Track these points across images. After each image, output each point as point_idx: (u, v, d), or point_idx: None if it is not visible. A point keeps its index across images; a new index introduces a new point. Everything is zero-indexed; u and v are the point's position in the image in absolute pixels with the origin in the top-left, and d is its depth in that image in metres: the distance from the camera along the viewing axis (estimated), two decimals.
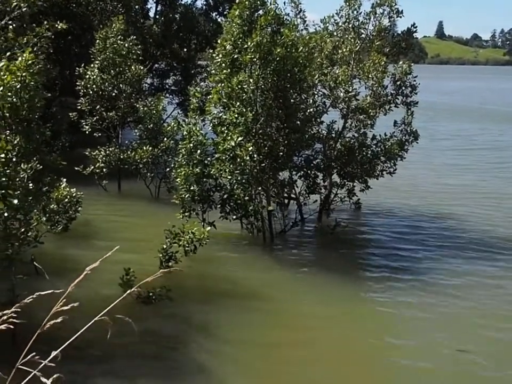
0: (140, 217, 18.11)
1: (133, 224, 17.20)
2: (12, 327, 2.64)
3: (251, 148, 13.87)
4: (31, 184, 9.60)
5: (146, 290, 10.90)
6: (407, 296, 12.49)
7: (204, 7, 30.25)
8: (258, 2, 14.25)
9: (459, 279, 13.44)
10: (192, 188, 14.75)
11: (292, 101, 14.90)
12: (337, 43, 16.95)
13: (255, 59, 13.77)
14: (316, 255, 15.69)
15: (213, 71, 15.17)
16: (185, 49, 29.14)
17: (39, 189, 10.51)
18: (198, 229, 13.77)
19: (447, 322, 11.31)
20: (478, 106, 60.09)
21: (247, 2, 14.13)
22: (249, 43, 13.69)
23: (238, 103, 14.04)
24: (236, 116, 13.90)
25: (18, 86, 9.35)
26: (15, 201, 8.89)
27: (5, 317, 2.64)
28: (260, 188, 15.03)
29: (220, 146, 14.18)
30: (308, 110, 16.07)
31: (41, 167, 10.23)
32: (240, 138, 13.79)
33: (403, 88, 16.82)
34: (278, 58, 13.83)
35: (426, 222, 18.08)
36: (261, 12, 14.27)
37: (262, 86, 14.22)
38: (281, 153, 14.91)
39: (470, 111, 56.56)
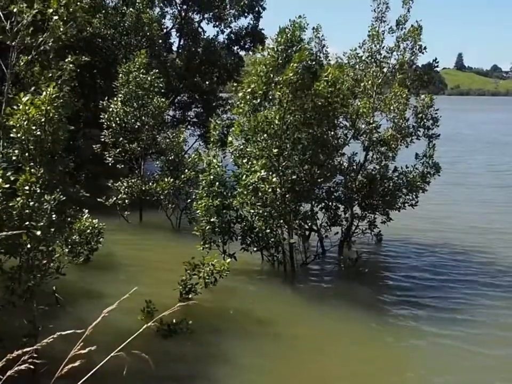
0: (160, 248, 18.12)
1: (154, 255, 17.19)
2: (32, 367, 2.61)
3: (275, 180, 13.85)
4: (54, 216, 9.66)
5: (166, 323, 10.82)
6: (433, 329, 12.21)
7: (226, 41, 30.73)
8: (294, 38, 14.20)
9: (482, 313, 13.14)
10: (212, 220, 14.76)
11: (319, 135, 14.88)
12: (359, 76, 17.01)
13: (286, 93, 13.78)
14: (337, 289, 15.48)
15: (237, 103, 15.25)
16: (207, 82, 29.55)
17: (62, 220, 10.58)
18: (219, 261, 13.74)
19: (480, 356, 11.00)
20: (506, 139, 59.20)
21: (284, 37, 14.08)
22: (281, 78, 13.70)
23: (263, 137, 14.05)
24: (261, 148, 13.91)
25: (43, 120, 9.50)
26: (38, 233, 8.96)
27: (26, 356, 2.61)
28: (281, 220, 14.96)
29: (241, 181, 14.16)
30: (331, 142, 16.08)
31: (64, 198, 10.32)
32: (263, 172, 13.78)
33: (425, 120, 16.78)
34: (311, 95, 13.85)
35: (449, 256, 17.82)
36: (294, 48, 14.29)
37: (290, 120, 14.23)
38: (303, 187, 14.86)
39: (498, 143, 55.92)
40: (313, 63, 14.30)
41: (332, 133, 15.79)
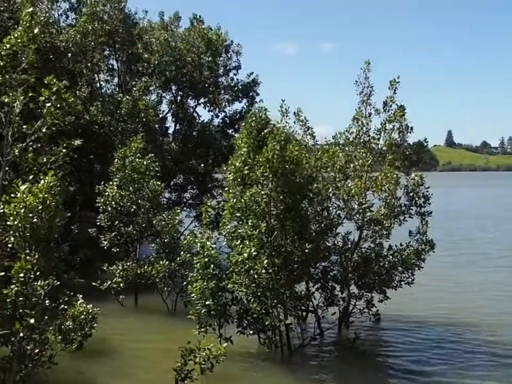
0: (155, 333, 17.82)
1: (149, 340, 16.89)
2: None
3: (266, 260, 13.97)
4: (47, 302, 9.60)
5: None
6: None
7: (220, 124, 31.59)
8: (263, 122, 14.99)
9: None
10: (207, 302, 14.65)
11: (305, 212, 15.16)
12: (349, 157, 17.43)
13: (265, 174, 14.27)
14: (336, 371, 15.13)
15: (227, 188, 15.66)
16: (202, 165, 30.12)
17: (55, 307, 10.51)
18: (215, 345, 13.51)
19: None
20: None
21: (253, 123, 14.87)
22: (259, 159, 14.28)
23: (252, 216, 14.32)
24: (250, 228, 14.14)
25: (40, 207, 9.65)
26: (32, 321, 8.88)
27: None
28: (276, 301, 14.86)
29: (232, 259, 14.28)
30: (323, 222, 16.26)
31: (58, 284, 10.28)
32: (253, 250, 13.91)
33: (416, 198, 17.03)
34: (288, 173, 14.33)
35: (448, 334, 17.58)
36: (267, 130, 15.00)
37: (275, 199, 14.56)
38: (296, 265, 14.92)
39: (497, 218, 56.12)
40: (287, 143, 14.74)
41: (316, 210, 15.93)
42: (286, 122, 17.31)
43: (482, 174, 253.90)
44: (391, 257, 17.31)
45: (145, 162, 20.66)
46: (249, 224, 14.29)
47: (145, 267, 19.89)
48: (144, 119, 25.82)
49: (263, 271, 14.15)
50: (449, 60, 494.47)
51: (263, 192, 14.31)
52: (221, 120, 31.68)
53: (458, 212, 62.48)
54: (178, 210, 21.38)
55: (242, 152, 15.13)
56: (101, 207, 20.69)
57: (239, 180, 15.10)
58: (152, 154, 21.33)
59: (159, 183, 21.06)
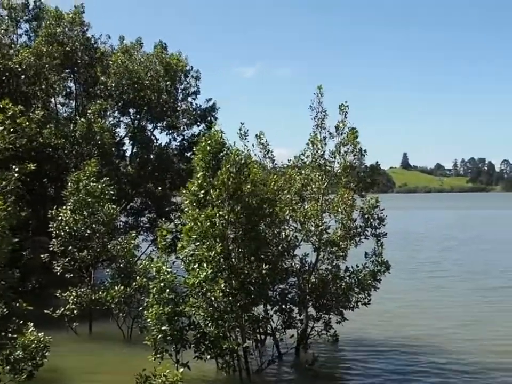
0: (110, 361, 17.40)
1: (104, 368, 16.48)
2: None
3: (223, 283, 13.87)
4: None
5: None
6: None
7: (179, 147, 31.48)
8: (219, 145, 15.04)
9: None
10: (164, 328, 14.39)
11: (262, 234, 15.19)
12: (305, 180, 17.60)
13: (221, 196, 14.29)
14: None
15: (185, 209, 15.56)
16: (159, 188, 29.86)
17: (3, 336, 10.13)
18: (171, 371, 13.26)
19: None
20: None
21: (208, 147, 14.88)
22: (215, 182, 14.29)
23: (208, 239, 14.25)
24: (206, 251, 14.06)
25: None
26: None
27: None
28: (234, 324, 14.73)
29: (189, 281, 14.14)
30: (281, 244, 16.30)
31: (7, 312, 9.94)
32: (210, 272, 13.81)
33: (371, 220, 17.27)
34: (244, 195, 14.38)
35: (405, 353, 17.77)
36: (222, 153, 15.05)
37: (232, 221, 14.54)
38: (254, 288, 14.87)
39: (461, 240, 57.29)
40: (244, 166, 14.79)
41: (274, 232, 16.03)
42: (245, 145, 17.48)
43: (438, 195, 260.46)
44: (347, 278, 17.44)
45: (100, 186, 20.36)
46: (205, 246, 14.20)
47: (100, 293, 19.44)
48: (99, 142, 25.52)
49: (221, 294, 14.03)
50: (403, 83, 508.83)
51: (220, 213, 14.29)
52: (178, 144, 31.60)
53: (418, 234, 63.43)
54: (134, 235, 21.06)
55: (198, 176, 15.08)
56: (54, 232, 20.23)
57: (195, 203, 15.04)
58: (107, 178, 21.04)
59: (115, 206, 20.77)
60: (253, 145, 17.84)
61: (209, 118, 31.09)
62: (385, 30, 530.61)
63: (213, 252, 14.10)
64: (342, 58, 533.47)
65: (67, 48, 27.75)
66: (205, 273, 13.88)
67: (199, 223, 14.28)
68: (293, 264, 17.36)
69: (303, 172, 17.79)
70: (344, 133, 17.14)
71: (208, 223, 14.26)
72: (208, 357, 14.95)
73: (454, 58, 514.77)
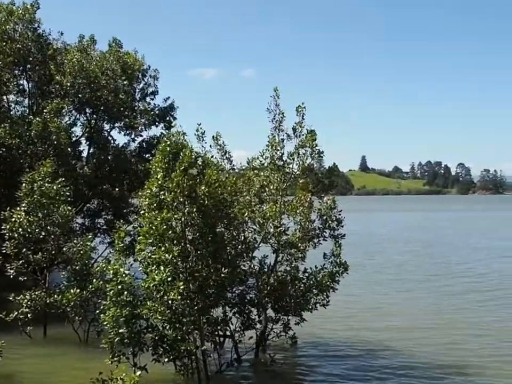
0: (66, 365, 17.05)
1: (59, 373, 16.15)
2: None
3: (182, 286, 13.77)
4: None
5: None
6: None
7: (137, 149, 31.07)
8: (179, 146, 14.89)
9: None
10: (121, 331, 14.17)
11: (220, 236, 15.15)
12: (264, 182, 17.63)
13: (178, 198, 14.15)
14: None
15: (142, 211, 15.38)
16: (117, 189, 29.40)
17: None
18: (128, 375, 13.07)
19: None
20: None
21: (168, 148, 14.74)
22: (170, 184, 14.15)
23: (166, 241, 14.13)
24: (164, 253, 13.93)
25: None
26: None
27: None
28: (192, 327, 14.63)
29: (146, 284, 14.00)
30: (239, 246, 16.28)
31: None
32: (167, 274, 13.70)
33: (329, 222, 17.40)
34: (202, 196, 14.28)
35: (363, 355, 17.96)
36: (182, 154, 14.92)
37: (190, 223, 14.44)
38: (212, 290, 14.80)
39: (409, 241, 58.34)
40: (201, 167, 14.78)
41: (232, 234, 16.02)
42: (202, 146, 17.40)
43: (396, 198, 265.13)
44: (306, 280, 17.55)
45: (55, 187, 19.92)
46: (163, 249, 14.08)
47: (55, 296, 19.02)
48: (55, 142, 24.98)
49: (178, 296, 13.92)
50: (362, 87, 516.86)
51: (176, 216, 14.18)
52: (137, 145, 31.19)
53: (379, 236, 64.13)
54: (90, 237, 20.69)
55: (158, 177, 14.91)
56: (7, 234, 19.70)
57: (154, 204, 14.86)
58: (63, 179, 20.61)
59: (70, 208, 20.36)
60: (210, 146, 17.81)
61: (168, 118, 30.77)
62: (347, 35, 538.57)
63: (170, 255, 13.98)
64: (304, 61, 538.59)
65: (18, 45, 27.01)
66: (161, 276, 13.75)
67: (155, 227, 14.15)
68: (252, 266, 17.36)
69: (261, 173, 17.83)
70: (302, 135, 17.27)
71: (165, 226, 14.14)
72: (166, 359, 14.81)
73: (412, 64, 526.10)
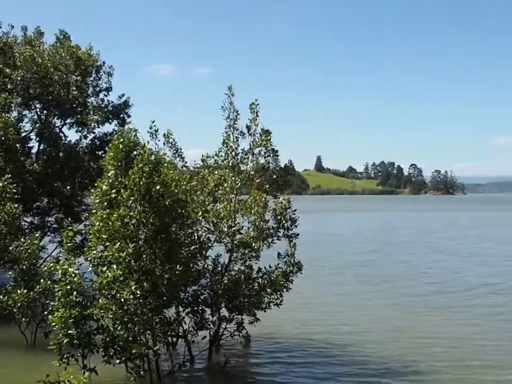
0: (12, 368, 16.55)
1: (4, 376, 15.65)
2: None
3: (134, 285, 13.52)
4: None
5: None
6: None
7: (90, 146, 30.38)
8: (132, 144, 14.60)
9: None
10: (70, 332, 13.83)
11: (174, 235, 14.96)
12: (218, 181, 17.50)
13: (133, 196, 13.91)
14: None
15: (94, 210, 15.02)
16: (68, 187, 28.68)
17: None
18: (76, 377, 12.76)
19: None
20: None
21: (120, 145, 14.45)
22: (127, 181, 13.88)
23: (119, 239, 13.86)
24: (117, 251, 13.65)
25: None
26: None
27: None
28: (144, 327, 14.39)
29: (96, 283, 13.69)
30: (193, 246, 16.11)
31: None
32: (119, 272, 13.44)
33: (284, 221, 17.38)
34: (156, 195, 14.08)
35: (317, 354, 18.09)
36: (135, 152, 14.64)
37: (144, 222, 14.20)
38: (165, 289, 14.59)
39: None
40: (157, 166, 14.51)
41: (186, 233, 15.88)
42: (156, 144, 17.15)
43: (350, 197, 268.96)
44: (260, 279, 17.53)
45: (1, 184, 19.29)
46: (116, 247, 13.78)
47: (1, 296, 18.37)
48: (3, 138, 24.15)
49: (131, 296, 13.66)
50: (318, 86, 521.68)
51: (131, 214, 13.92)
52: (90, 142, 30.48)
53: (337, 236, 64.47)
54: (38, 235, 20.10)
55: (109, 175, 14.59)
56: None
57: (105, 203, 14.54)
58: (10, 176, 19.97)
59: (17, 205, 19.75)
60: (163, 144, 17.57)
61: (122, 116, 30.19)
62: (304, 32, 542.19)
63: (124, 253, 13.71)
64: (260, 59, 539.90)
65: None
66: (113, 274, 13.46)
67: (110, 223, 13.84)
68: (206, 265, 17.22)
69: (216, 172, 17.69)
70: (257, 133, 17.22)
71: (120, 223, 13.87)
72: (117, 361, 14.52)
73: (367, 63, 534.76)
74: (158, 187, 14.10)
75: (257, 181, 17.26)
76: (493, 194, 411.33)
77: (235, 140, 17.47)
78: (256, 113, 17.25)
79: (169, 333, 16.36)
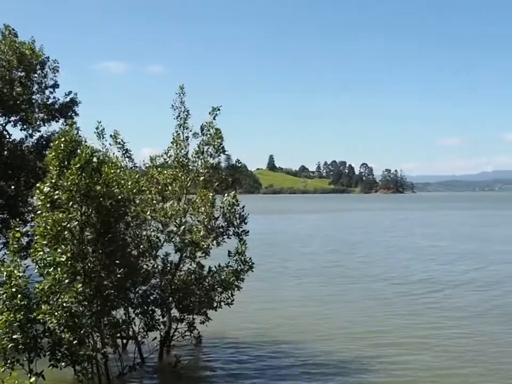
0: None
1: None
2: None
3: (80, 288, 13.27)
4: None
5: None
6: None
7: (35, 145, 29.59)
8: (74, 143, 14.31)
9: None
10: (15, 336, 13.47)
11: (120, 236, 14.74)
12: (167, 180, 17.35)
13: (74, 197, 13.62)
14: None
15: (38, 211, 14.62)
16: (12, 187, 27.86)
17: None
18: (21, 382, 12.39)
19: None
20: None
21: (62, 144, 14.14)
22: (65, 182, 13.58)
23: (61, 242, 13.59)
24: (60, 254, 13.37)
25: None
26: None
27: None
28: (91, 330, 14.14)
29: (39, 286, 13.40)
30: (141, 245, 15.92)
31: None
32: (62, 276, 13.17)
33: (233, 219, 17.35)
34: (98, 196, 13.81)
35: (269, 352, 18.18)
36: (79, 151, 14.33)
37: (86, 223, 13.95)
38: (111, 291, 14.36)
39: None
40: (100, 165, 14.26)
41: (135, 233, 15.68)
42: (103, 144, 16.88)
43: (302, 196, 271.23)
44: (210, 278, 17.44)
45: None
46: (59, 250, 13.49)
47: None
48: None
49: (74, 299, 13.41)
50: (270, 86, 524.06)
51: (72, 216, 13.61)
52: (35, 141, 29.66)
53: (295, 235, 64.74)
54: None
55: (51, 175, 14.19)
56: None
57: (48, 205, 14.13)
58: None
59: None
60: (110, 144, 17.32)
61: (69, 114, 29.49)
62: (258, 33, 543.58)
63: (65, 257, 13.42)
64: (213, 59, 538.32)
65: None
66: (52, 277, 13.17)
67: (48, 228, 13.52)
68: (155, 265, 17.05)
69: (165, 171, 17.54)
70: (209, 134, 17.22)
71: (59, 228, 13.54)
72: (64, 364, 14.23)
73: (324, 63, 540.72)
74: (98, 188, 13.81)
75: (201, 178, 17.18)
76: (440, 193, 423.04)
77: (185, 139, 17.39)
78: (214, 116, 17.32)
79: (118, 335, 16.09)
